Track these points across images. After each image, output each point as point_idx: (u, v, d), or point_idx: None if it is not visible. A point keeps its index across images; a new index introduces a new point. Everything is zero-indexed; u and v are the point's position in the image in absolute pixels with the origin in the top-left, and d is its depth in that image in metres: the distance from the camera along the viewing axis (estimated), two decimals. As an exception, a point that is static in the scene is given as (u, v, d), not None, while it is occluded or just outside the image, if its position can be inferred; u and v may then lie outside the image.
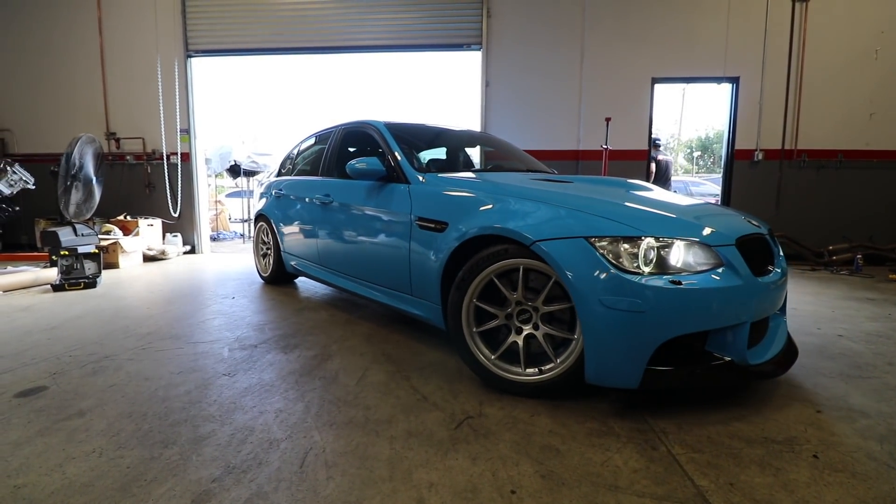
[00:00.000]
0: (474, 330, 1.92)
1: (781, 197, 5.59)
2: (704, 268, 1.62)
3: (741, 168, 5.62)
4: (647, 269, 1.58)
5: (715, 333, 1.63)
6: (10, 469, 1.38)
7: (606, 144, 5.04)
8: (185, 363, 2.20)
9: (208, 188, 8.01)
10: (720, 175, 6.03)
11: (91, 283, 3.97)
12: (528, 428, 1.61)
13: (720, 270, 1.62)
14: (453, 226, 2.03)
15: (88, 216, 5.38)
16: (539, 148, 5.75)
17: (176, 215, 6.25)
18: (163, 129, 6.14)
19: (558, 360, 1.76)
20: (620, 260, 1.59)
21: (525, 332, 1.83)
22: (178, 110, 6.14)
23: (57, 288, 3.85)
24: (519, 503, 1.26)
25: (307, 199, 3.34)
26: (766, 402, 1.80)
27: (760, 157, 5.55)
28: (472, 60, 5.90)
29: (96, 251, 4.25)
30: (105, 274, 4.50)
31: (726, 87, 5.69)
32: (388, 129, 2.80)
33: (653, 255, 1.60)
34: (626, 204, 1.83)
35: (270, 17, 6.01)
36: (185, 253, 6.28)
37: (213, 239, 8.43)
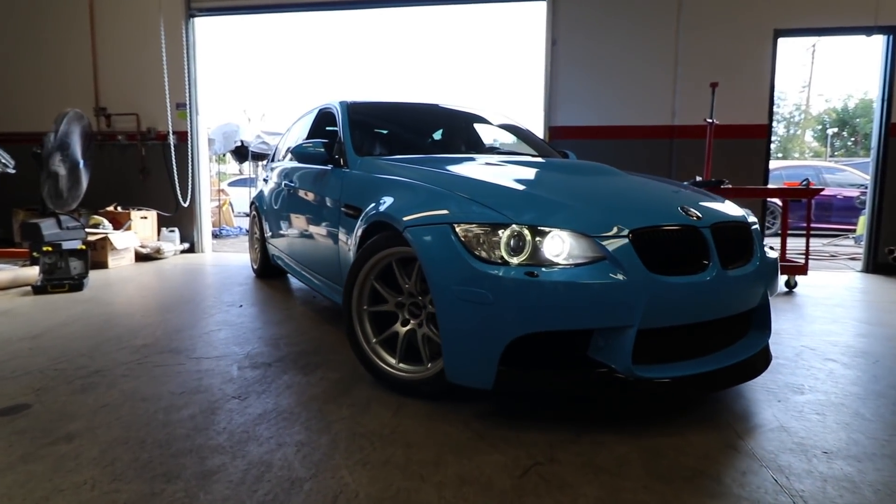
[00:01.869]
0: (364, 308, 2.25)
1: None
2: (582, 260, 1.78)
3: (900, 148, 5.30)
4: (514, 260, 1.78)
5: (599, 337, 1.78)
6: (-10, 500, 1.45)
7: (712, 118, 4.87)
8: (188, 382, 2.27)
9: (210, 174, 8.32)
10: (867, 158, 5.70)
11: (77, 285, 4.18)
12: (616, 482, 1.56)
13: (600, 264, 1.76)
14: (364, 212, 2.39)
15: (74, 206, 5.69)
16: (619, 123, 5.64)
17: (186, 205, 6.54)
18: (168, 102, 6.42)
19: (429, 365, 2.07)
20: (479, 248, 1.81)
21: (409, 327, 2.14)
22: (170, 79, 6.39)
23: (38, 290, 4.08)
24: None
25: (282, 186, 3.89)
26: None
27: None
28: (534, 13, 5.86)
29: (83, 247, 4.49)
30: (93, 274, 4.74)
31: (878, 41, 5.37)
32: (346, 110, 3.25)
33: (521, 244, 1.80)
34: (517, 188, 2.11)
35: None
36: (182, 251, 6.54)
37: (216, 235, 8.75)
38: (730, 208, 2.23)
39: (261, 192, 4.67)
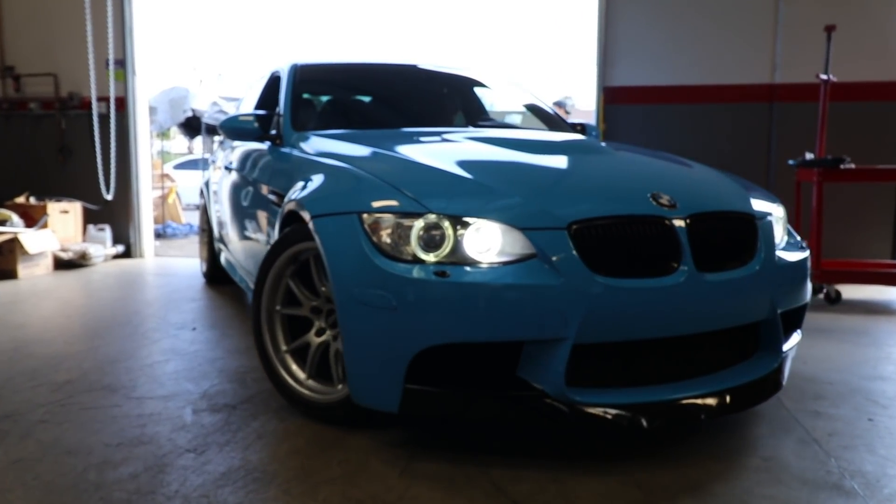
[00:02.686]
0: (277, 308, 2.42)
1: None
2: (510, 258, 1.90)
3: None
4: (429, 257, 1.90)
5: (530, 352, 1.87)
6: None
7: (827, 74, 4.83)
8: (128, 430, 2.28)
9: (151, 154, 8.41)
10: None
11: (-21, 302, 4.23)
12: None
13: (529, 263, 1.88)
14: (284, 199, 2.58)
15: (-26, 197, 5.77)
16: (699, 82, 5.61)
17: (109, 197, 6.60)
18: (91, 57, 6.47)
19: (339, 387, 2.24)
20: (388, 243, 1.95)
21: (323, 338, 2.33)
22: (95, 28, 6.46)
23: (-71, 308, 4.14)
24: None
25: (223, 169, 4.23)
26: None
27: None
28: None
29: (-13, 251, 4.54)
30: (-2, 287, 4.79)
31: None
32: (292, 75, 3.49)
33: (439, 238, 1.93)
34: (454, 171, 2.25)
35: None
36: (116, 256, 6.60)
37: (159, 235, 8.83)
38: (733, 197, 2.31)
39: (208, 177, 4.90)
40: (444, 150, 2.59)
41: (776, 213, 2.42)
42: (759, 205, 2.32)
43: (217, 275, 4.87)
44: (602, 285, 1.86)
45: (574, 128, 3.76)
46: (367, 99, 4.03)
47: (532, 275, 1.86)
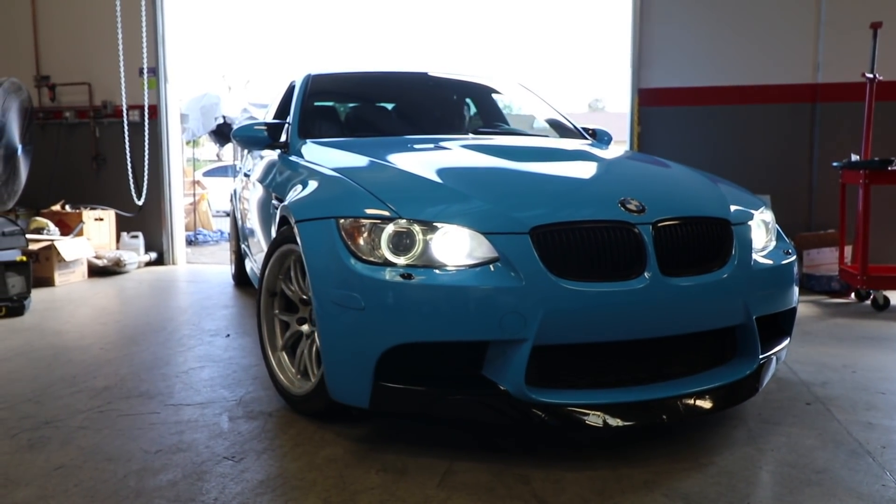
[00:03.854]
0: (275, 313, 2.64)
1: None
2: (475, 261, 2.01)
3: None
4: (400, 260, 2.02)
5: (494, 352, 1.98)
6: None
7: (874, 72, 4.75)
8: (166, 437, 2.31)
9: (183, 162, 8.52)
10: None
11: (17, 309, 4.33)
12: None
13: (491, 267, 1.98)
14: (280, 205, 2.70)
15: (11, 205, 5.91)
16: (738, 83, 5.56)
17: (140, 202, 6.71)
18: (122, 66, 6.58)
19: (314, 380, 2.37)
20: (360, 245, 2.07)
21: (308, 330, 2.48)
22: (125, 37, 6.57)
23: (-32, 315, 4.23)
24: None
25: (244, 174, 4.45)
26: None
27: None
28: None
29: (23, 259, 4.64)
30: (35, 294, 4.89)
31: None
32: (305, 85, 3.67)
33: (409, 242, 2.04)
34: (432, 178, 2.35)
35: None
36: (149, 263, 6.72)
37: (190, 242, 8.95)
38: (707, 201, 2.36)
39: (236, 185, 5.11)
40: (431, 158, 2.68)
41: (760, 217, 2.46)
42: (737, 210, 2.36)
43: (245, 279, 5.09)
44: (562, 288, 1.95)
45: (584, 133, 3.79)
46: (378, 106, 4.11)
47: (493, 278, 1.96)
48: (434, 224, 2.05)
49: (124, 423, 2.43)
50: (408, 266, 2.01)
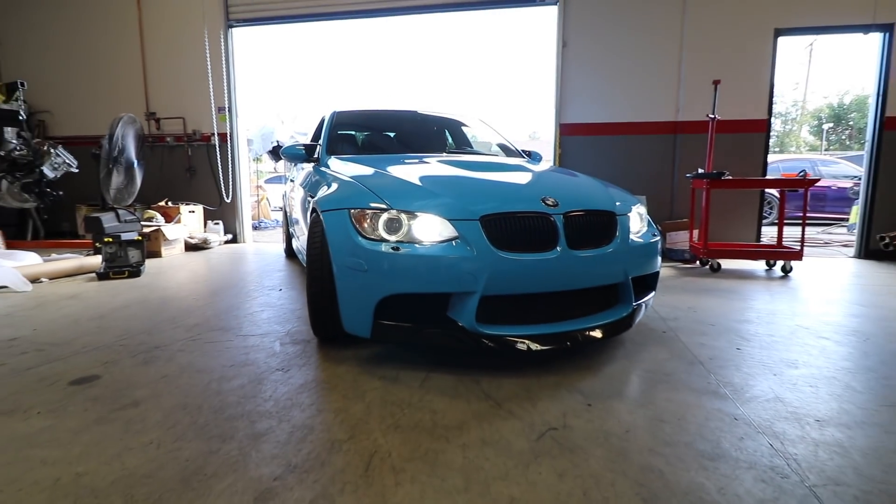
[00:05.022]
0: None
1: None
2: (441, 239, 2.03)
3: (893, 141, 5.17)
4: (391, 238, 2.05)
5: (455, 300, 2.01)
6: (70, 456, 1.53)
7: (713, 114, 4.80)
8: (237, 356, 2.34)
9: (249, 173, 8.43)
10: (860, 152, 5.57)
11: (135, 272, 4.30)
12: (623, 444, 1.58)
13: (453, 242, 2.01)
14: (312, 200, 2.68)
15: (130, 201, 5.83)
16: (627, 119, 5.58)
17: (228, 200, 6.66)
18: (213, 105, 6.51)
19: None
20: (364, 227, 2.09)
21: None
22: (212, 85, 6.48)
23: (101, 276, 4.21)
24: (619, 526, 1.24)
25: (289, 180, 4.57)
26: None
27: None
28: (546, 17, 5.81)
29: (139, 238, 4.60)
30: (148, 262, 4.86)
31: (875, 39, 5.23)
32: (332, 118, 3.77)
33: (397, 225, 2.07)
34: (413, 183, 2.35)
35: (317, -22, 6.21)
36: (226, 242, 6.65)
37: (255, 227, 8.87)
38: (600, 200, 2.35)
39: (286, 188, 5.12)
40: (416, 169, 2.68)
41: (637, 210, 2.49)
42: (620, 205, 2.38)
43: (292, 253, 5.25)
44: (501, 258, 1.99)
45: (523, 154, 3.78)
46: (382, 133, 4.10)
47: (455, 250, 1.99)
48: (415, 213, 2.08)
49: (209, 348, 2.46)
50: (397, 242, 2.04)
